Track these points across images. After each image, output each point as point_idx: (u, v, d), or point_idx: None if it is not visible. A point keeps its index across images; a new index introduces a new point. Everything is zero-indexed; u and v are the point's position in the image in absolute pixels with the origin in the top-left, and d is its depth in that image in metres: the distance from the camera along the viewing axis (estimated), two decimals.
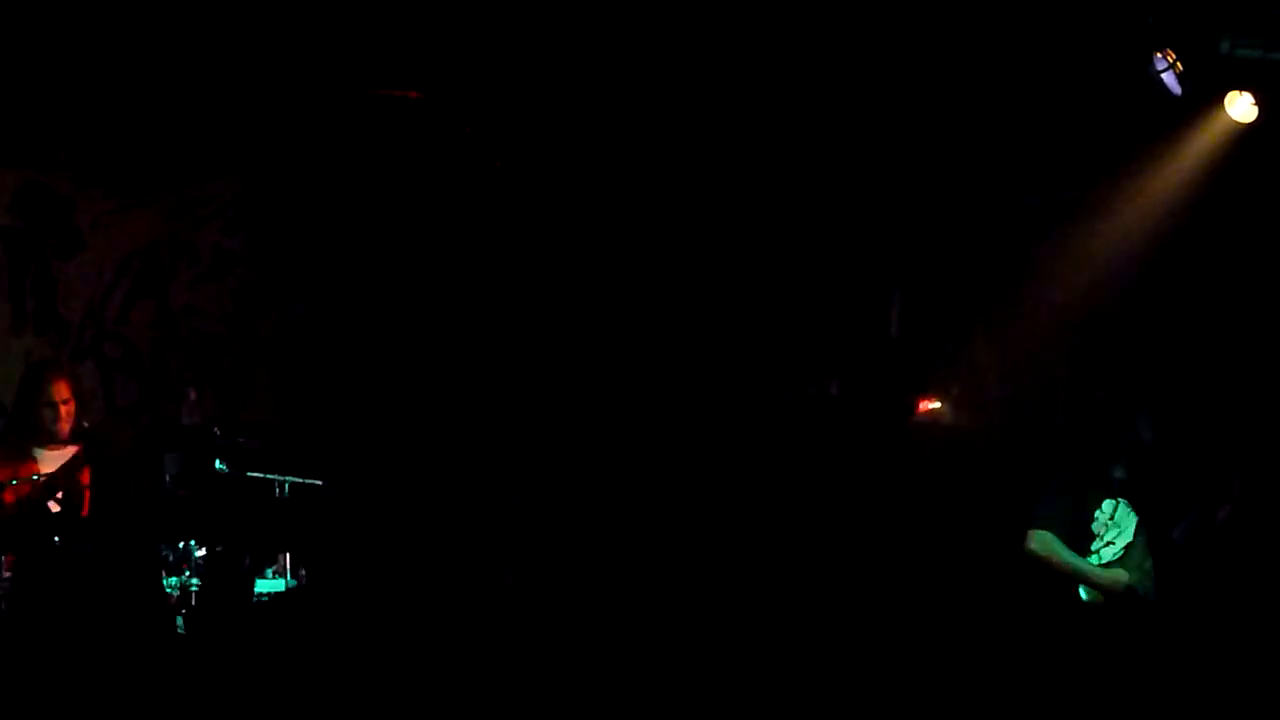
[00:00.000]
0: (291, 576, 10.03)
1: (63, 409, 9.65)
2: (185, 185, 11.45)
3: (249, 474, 9.97)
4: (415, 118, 11.28)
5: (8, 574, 9.17)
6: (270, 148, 11.50)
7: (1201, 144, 10.77)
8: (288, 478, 10.06)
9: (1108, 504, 8.87)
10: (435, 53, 10.89)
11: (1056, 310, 11.34)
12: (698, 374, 11.58)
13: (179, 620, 9.39)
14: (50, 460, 9.62)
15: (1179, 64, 10.23)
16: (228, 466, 9.89)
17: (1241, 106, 10.45)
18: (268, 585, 9.89)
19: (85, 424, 9.88)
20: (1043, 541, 8.72)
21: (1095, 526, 8.82)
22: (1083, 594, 8.75)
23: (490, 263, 11.69)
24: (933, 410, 11.76)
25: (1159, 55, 10.30)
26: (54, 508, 9.31)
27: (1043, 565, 8.72)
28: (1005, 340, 11.57)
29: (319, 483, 10.28)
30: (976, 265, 11.46)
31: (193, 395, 11.13)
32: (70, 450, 9.66)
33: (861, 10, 10.39)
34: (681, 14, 10.52)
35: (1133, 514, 8.89)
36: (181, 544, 9.64)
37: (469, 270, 11.71)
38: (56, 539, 9.12)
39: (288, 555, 10.06)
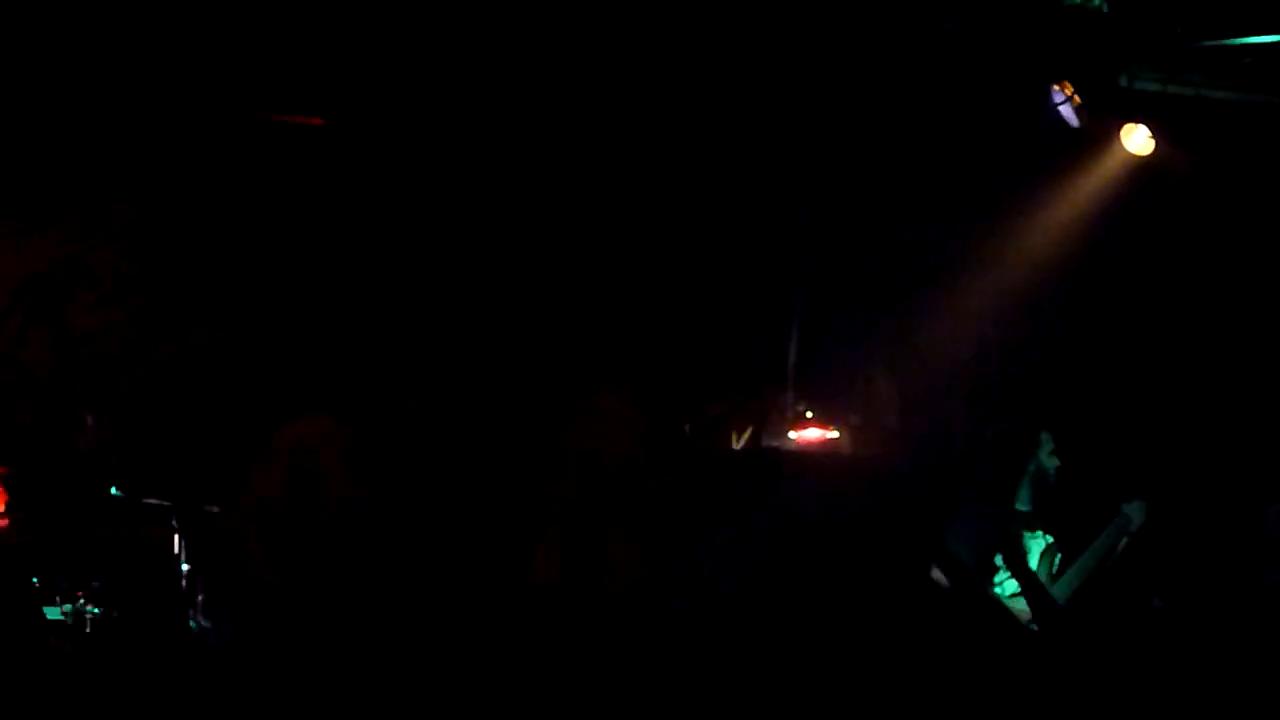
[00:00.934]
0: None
1: None
2: (83, 209, 11.35)
3: (145, 500, 9.92)
4: (317, 143, 11.25)
5: None
6: (170, 172, 11.43)
7: (1098, 177, 10.90)
8: (184, 503, 9.99)
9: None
10: (337, 78, 10.87)
11: (957, 339, 11.41)
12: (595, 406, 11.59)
13: None
14: None
15: (1077, 96, 10.34)
16: (123, 492, 9.84)
17: (1138, 139, 10.58)
18: None
19: None
20: (942, 567, 8.74)
21: (998, 559, 8.84)
22: None
23: (391, 288, 11.66)
24: (831, 440, 11.79)
25: (1056, 88, 10.41)
26: None
27: (944, 594, 8.73)
28: (904, 372, 11.63)
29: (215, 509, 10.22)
30: (876, 293, 11.51)
31: (90, 420, 11.06)
32: None
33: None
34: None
35: (1038, 543, 8.92)
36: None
37: (369, 295, 11.67)
38: None
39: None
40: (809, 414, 11.76)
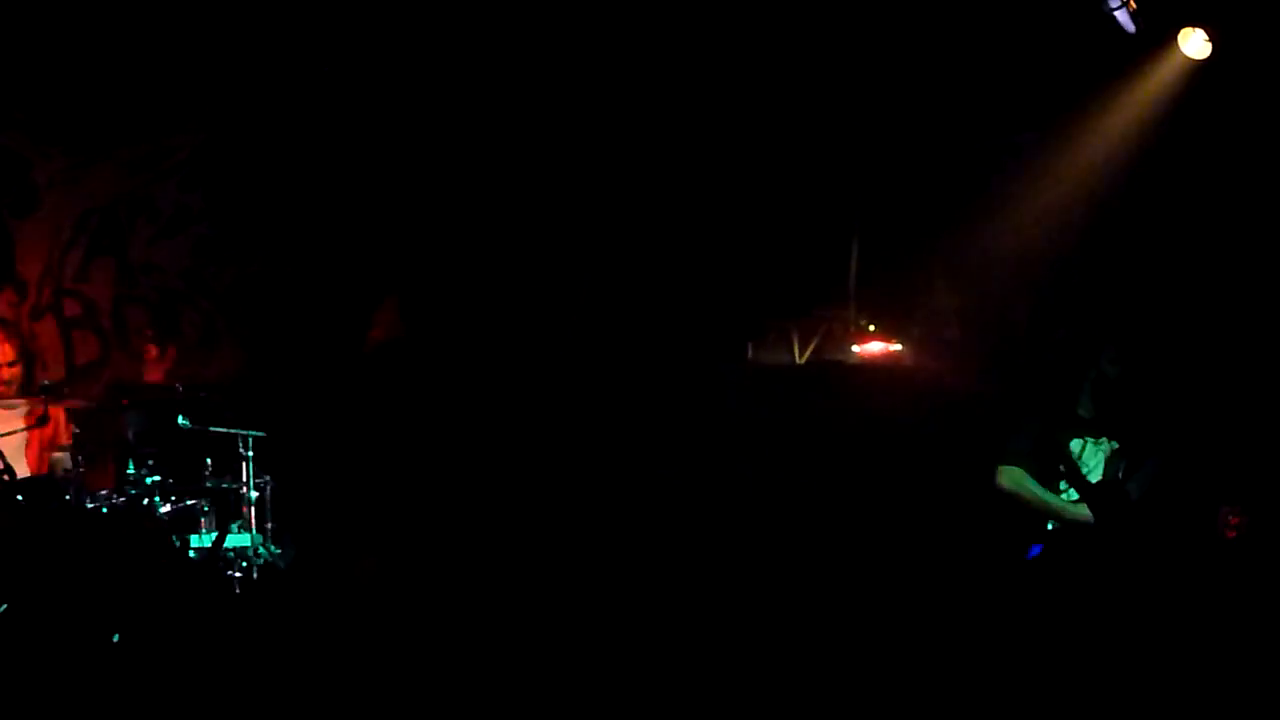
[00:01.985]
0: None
1: (5, 372, 9.69)
2: (142, 141, 11.41)
3: (212, 429, 9.97)
4: (369, 85, 11.30)
5: None
6: (228, 103, 11.46)
7: (1157, 81, 10.82)
8: (251, 432, 10.05)
9: (1075, 443, 8.88)
10: (393, 28, 10.90)
11: (1015, 251, 11.37)
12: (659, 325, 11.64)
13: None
14: (2, 421, 9.65)
15: (1132, 1, 10.26)
16: (190, 422, 9.89)
17: (1195, 43, 10.49)
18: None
19: (45, 381, 9.90)
20: (1012, 477, 8.74)
21: (1063, 466, 8.83)
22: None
23: (444, 228, 11.70)
24: (893, 352, 11.81)
25: None
26: None
27: (1012, 501, 8.74)
28: (965, 281, 11.61)
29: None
30: (934, 208, 11.48)
31: (153, 352, 11.12)
32: (22, 409, 9.70)
33: None
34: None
35: (1102, 450, 8.90)
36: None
37: (424, 231, 11.72)
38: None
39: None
40: (871, 328, 11.79)
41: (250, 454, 10.02)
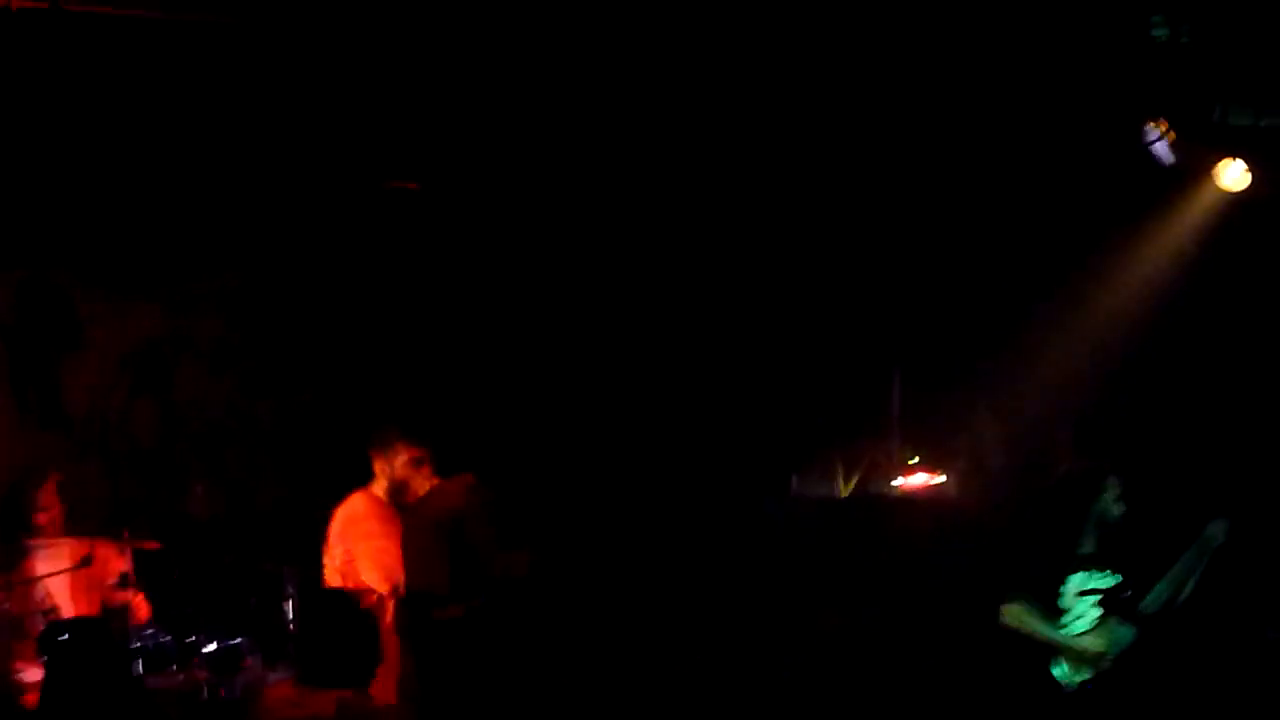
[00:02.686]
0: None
1: (43, 516, 9.72)
2: (185, 280, 11.49)
3: (260, 566, 10.00)
4: (413, 208, 11.36)
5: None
6: (269, 239, 11.55)
7: (1195, 212, 10.87)
8: (298, 568, 10.07)
9: (1077, 577, 8.92)
10: (432, 145, 10.97)
11: (1058, 380, 11.39)
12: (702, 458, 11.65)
13: None
14: (45, 561, 9.66)
15: (1171, 133, 10.32)
16: (235, 559, 9.93)
17: (1234, 174, 10.55)
18: None
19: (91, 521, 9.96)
20: (1014, 614, 8.81)
21: (1063, 602, 8.87)
22: (1055, 670, 8.81)
23: (483, 349, 11.75)
24: (937, 484, 11.80)
25: (1150, 125, 10.40)
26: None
27: (1017, 636, 8.79)
28: (1009, 411, 11.63)
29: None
30: (977, 336, 11.51)
31: (200, 489, 11.17)
32: (65, 549, 9.73)
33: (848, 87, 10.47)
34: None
35: (1105, 582, 8.92)
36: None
37: (464, 355, 11.76)
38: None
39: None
40: (915, 459, 11.78)
41: (293, 590, 10.04)
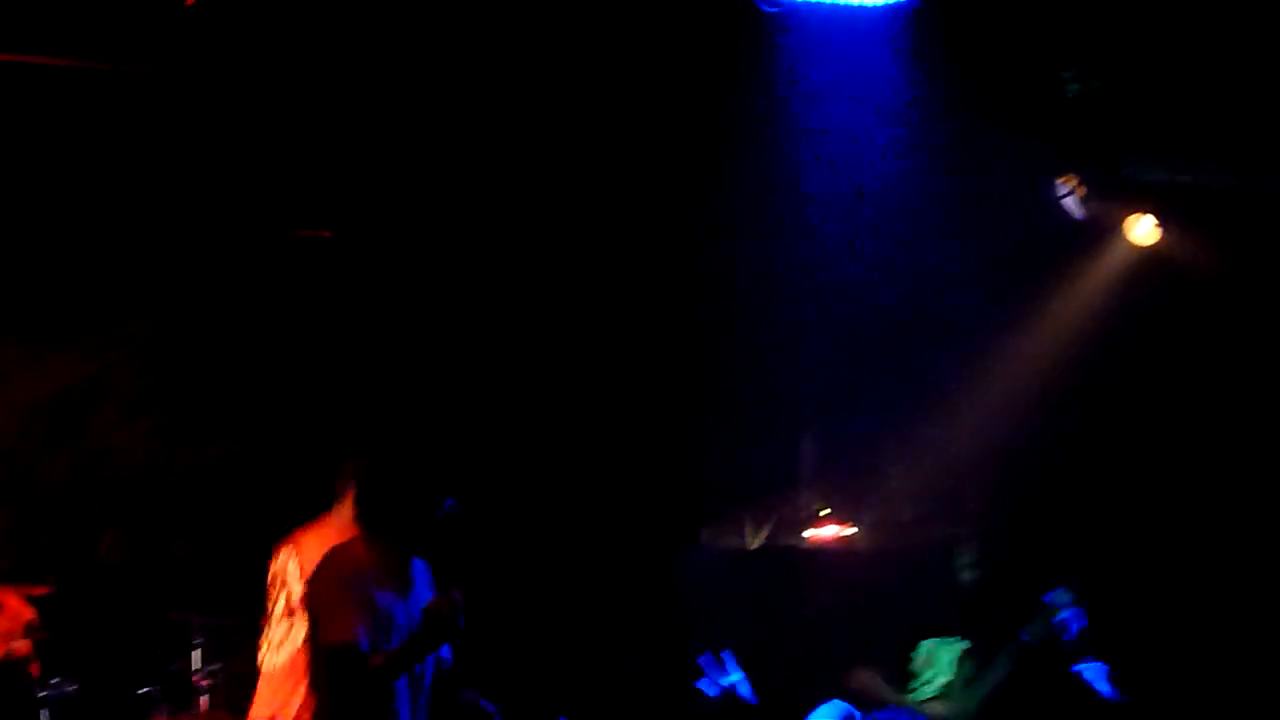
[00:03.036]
0: None
1: None
2: (99, 328, 11.42)
3: (168, 615, 9.95)
4: (329, 256, 11.37)
5: None
6: (184, 287, 11.50)
7: (1105, 267, 10.96)
8: (205, 617, 10.02)
9: (923, 645, 9.03)
10: (346, 193, 10.99)
11: (968, 436, 11.45)
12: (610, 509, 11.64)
13: None
14: None
15: (1082, 188, 10.41)
16: (144, 608, 9.87)
17: (1144, 229, 10.64)
18: None
19: None
20: (859, 680, 8.90)
21: (913, 666, 8.97)
22: None
23: (401, 398, 11.74)
24: (847, 537, 11.83)
25: (1060, 180, 10.49)
26: None
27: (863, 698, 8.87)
28: (918, 463, 11.67)
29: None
30: (888, 392, 11.55)
31: (109, 537, 11.09)
32: None
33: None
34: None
35: (950, 651, 9.00)
36: None
37: (380, 403, 11.75)
38: None
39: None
40: (825, 511, 11.80)
41: (201, 640, 9.99)
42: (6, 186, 10.45)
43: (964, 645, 8.98)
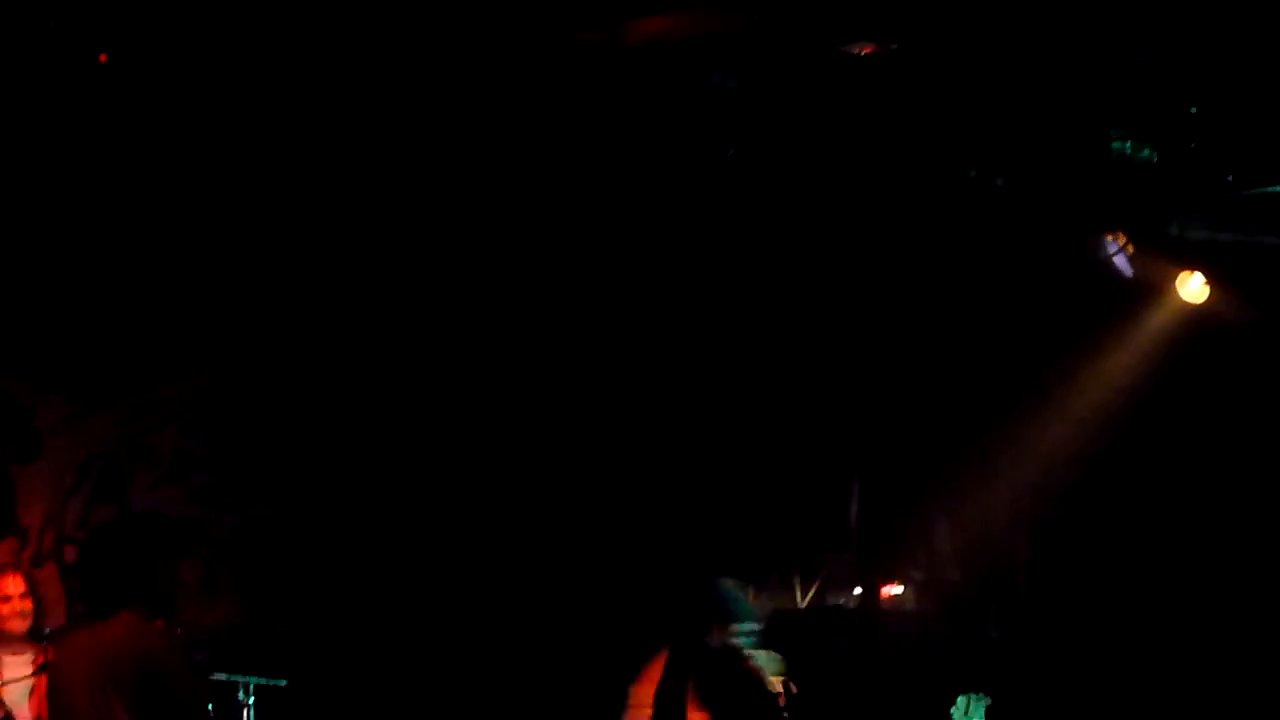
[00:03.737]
0: None
1: (5, 606, 9.57)
2: (143, 389, 11.43)
3: (213, 675, 9.93)
4: (368, 315, 11.41)
5: None
6: (228, 348, 11.52)
7: (1155, 325, 10.93)
8: (252, 679, 10.01)
9: (960, 699, 9.06)
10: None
11: (1015, 496, 11.41)
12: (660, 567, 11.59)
13: None
14: (10, 666, 9.53)
15: (1130, 246, 10.39)
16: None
17: (1193, 286, 10.61)
18: None
19: (46, 629, 9.81)
20: None
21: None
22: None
23: (442, 460, 11.74)
24: (894, 596, 11.79)
25: (1109, 238, 10.47)
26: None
27: None
28: (966, 524, 11.62)
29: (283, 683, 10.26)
30: (935, 450, 11.51)
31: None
32: (29, 654, 9.58)
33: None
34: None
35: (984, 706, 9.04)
36: None
37: (425, 471, 11.74)
38: None
39: None
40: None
41: (251, 700, 9.98)
42: (58, 253, 10.51)
43: (986, 701, 9.02)
